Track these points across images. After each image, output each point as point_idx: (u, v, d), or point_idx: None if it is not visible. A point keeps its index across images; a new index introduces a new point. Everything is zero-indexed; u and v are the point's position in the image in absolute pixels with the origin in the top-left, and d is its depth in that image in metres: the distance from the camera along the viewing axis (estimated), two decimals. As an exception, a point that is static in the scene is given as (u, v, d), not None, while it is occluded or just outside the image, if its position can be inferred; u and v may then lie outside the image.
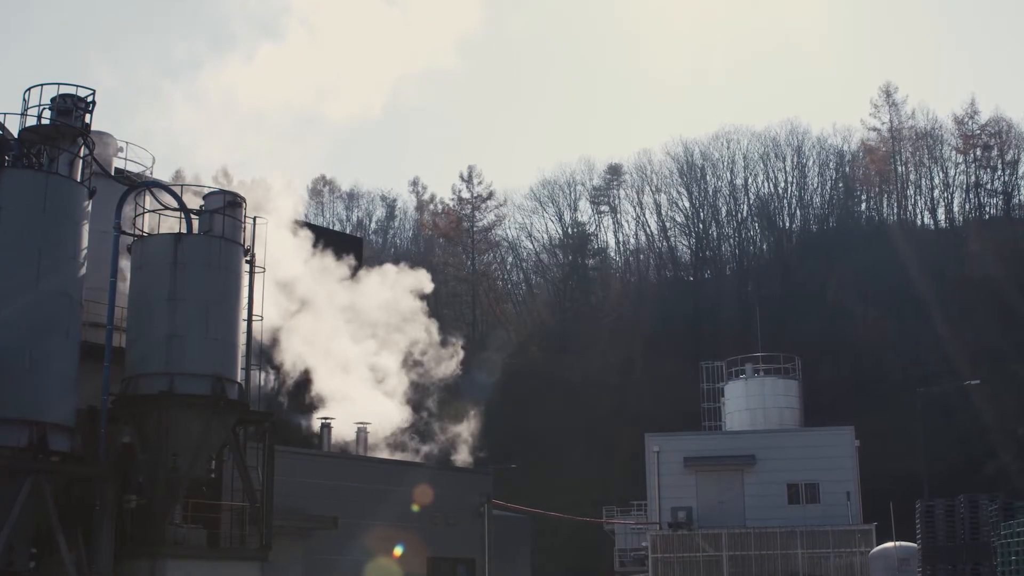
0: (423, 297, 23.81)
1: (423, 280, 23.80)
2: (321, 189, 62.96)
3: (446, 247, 58.88)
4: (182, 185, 17.34)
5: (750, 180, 56.93)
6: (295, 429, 22.18)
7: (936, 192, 54.66)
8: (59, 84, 15.71)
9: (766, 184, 56.85)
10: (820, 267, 49.44)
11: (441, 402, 24.88)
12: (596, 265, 58.77)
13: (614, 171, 59.63)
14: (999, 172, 53.37)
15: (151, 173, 18.04)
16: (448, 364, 24.51)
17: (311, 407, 21.82)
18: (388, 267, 23.93)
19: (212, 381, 15.52)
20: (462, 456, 26.16)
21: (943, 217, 54.23)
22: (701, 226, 56.81)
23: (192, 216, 16.34)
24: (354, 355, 21.41)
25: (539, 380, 47.32)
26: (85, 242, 15.41)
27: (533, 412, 45.20)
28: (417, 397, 23.25)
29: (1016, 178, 52.88)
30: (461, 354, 25.96)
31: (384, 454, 22.66)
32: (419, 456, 23.60)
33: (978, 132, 53.68)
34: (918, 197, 55.16)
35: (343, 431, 22.19)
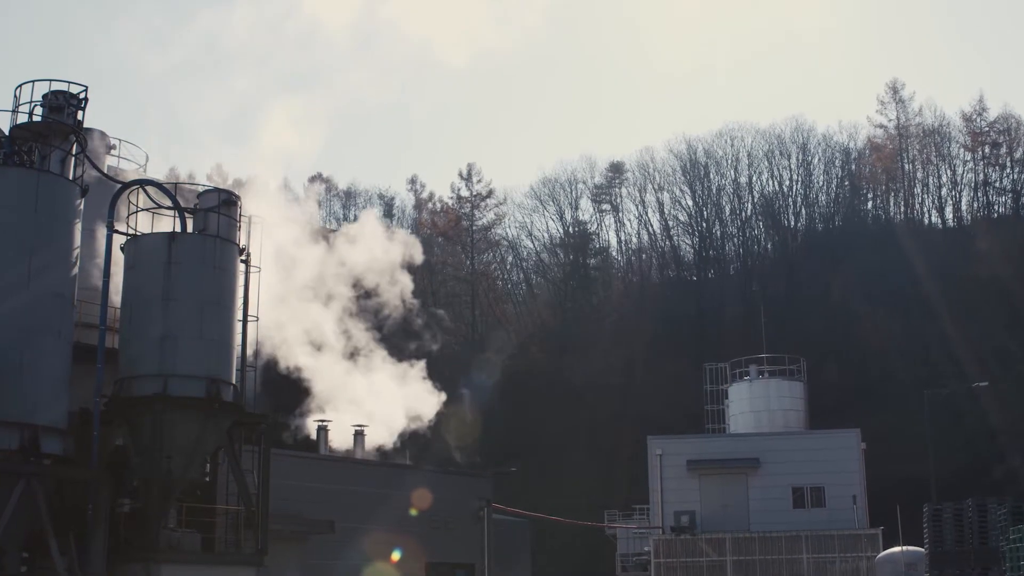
0: (412, 270, 22.98)
1: (413, 247, 23.00)
2: (318, 187, 62.65)
3: (445, 246, 58.58)
4: (176, 183, 17.12)
5: (754, 178, 56.48)
6: (290, 431, 21.87)
7: (944, 190, 54.19)
8: (51, 80, 15.55)
9: (771, 182, 56.39)
10: (825, 266, 48.98)
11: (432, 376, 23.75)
12: (598, 265, 58.39)
13: (616, 169, 59.19)
14: (1008, 170, 52.81)
15: (145, 171, 17.83)
16: (430, 336, 23.66)
17: (307, 407, 21.50)
18: (371, 218, 23.00)
19: (207, 383, 15.34)
20: (460, 457, 25.71)
21: (951, 216, 53.77)
22: (704, 225, 56.40)
23: (186, 214, 16.12)
24: (334, 332, 20.60)
25: (539, 382, 46.95)
26: (77, 241, 15.23)
27: (533, 414, 44.86)
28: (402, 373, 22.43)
29: (1025, 176, 52.30)
30: (447, 318, 25.06)
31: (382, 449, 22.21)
32: (408, 457, 23.14)
33: (986, 129, 53.13)
34: (925, 195, 54.65)
35: (343, 430, 21.83)
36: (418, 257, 23.54)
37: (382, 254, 21.72)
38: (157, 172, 18.86)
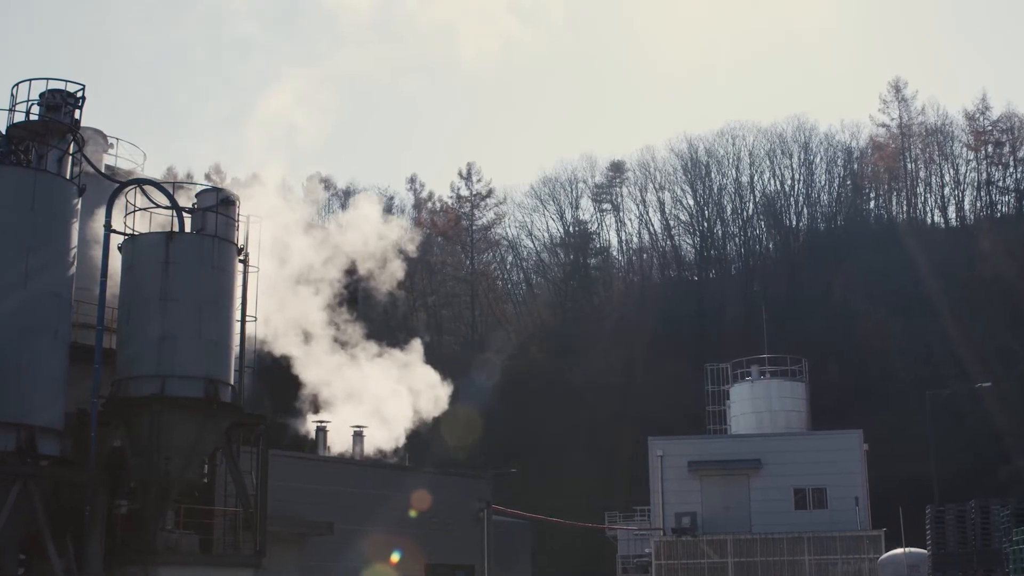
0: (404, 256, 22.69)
1: (409, 236, 22.63)
2: (317, 179, 62.32)
3: (444, 246, 58.46)
4: (174, 183, 17.05)
5: (756, 177, 56.43)
6: (289, 432, 21.75)
7: (946, 190, 54.10)
8: (48, 79, 15.46)
9: (772, 181, 56.33)
10: (827, 266, 48.93)
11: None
12: (598, 264, 58.32)
13: (617, 168, 59.11)
14: (1011, 169, 52.73)
15: (142, 170, 17.76)
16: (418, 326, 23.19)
17: (307, 405, 21.35)
18: (367, 202, 22.71)
19: (205, 383, 15.25)
20: (459, 458, 25.46)
21: (953, 215, 53.70)
22: (706, 224, 56.30)
23: (184, 214, 16.03)
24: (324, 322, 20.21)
25: (540, 382, 46.88)
26: (75, 241, 15.15)
27: (533, 415, 44.80)
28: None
29: (1027, 176, 52.12)
30: (438, 308, 24.30)
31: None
32: (408, 459, 22.94)
33: (989, 128, 53.02)
34: (928, 195, 54.58)
35: (344, 431, 21.66)
36: (413, 247, 23.26)
37: (376, 239, 21.51)
38: (155, 170, 18.75)
